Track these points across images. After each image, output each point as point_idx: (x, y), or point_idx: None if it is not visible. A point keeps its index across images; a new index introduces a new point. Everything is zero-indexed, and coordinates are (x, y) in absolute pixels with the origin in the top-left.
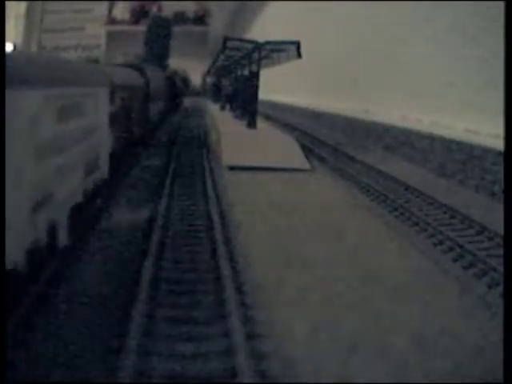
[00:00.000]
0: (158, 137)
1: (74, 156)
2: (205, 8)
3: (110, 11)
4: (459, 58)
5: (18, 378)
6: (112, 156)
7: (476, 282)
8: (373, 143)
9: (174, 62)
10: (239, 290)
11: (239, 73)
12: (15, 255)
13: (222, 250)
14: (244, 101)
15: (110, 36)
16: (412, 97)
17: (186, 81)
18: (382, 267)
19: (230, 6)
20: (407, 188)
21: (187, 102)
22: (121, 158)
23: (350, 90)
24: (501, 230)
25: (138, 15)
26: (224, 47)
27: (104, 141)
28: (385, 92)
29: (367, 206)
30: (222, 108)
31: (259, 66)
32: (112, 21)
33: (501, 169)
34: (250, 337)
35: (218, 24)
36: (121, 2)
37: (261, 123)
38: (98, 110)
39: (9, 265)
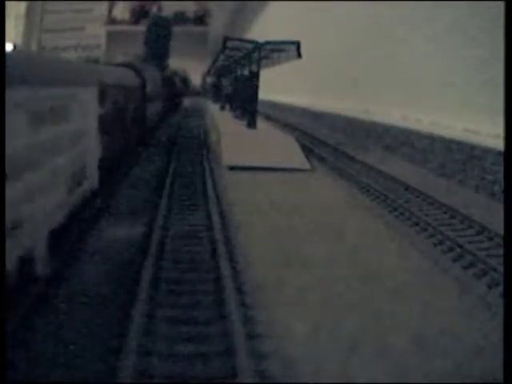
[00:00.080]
0: (157, 137)
1: (51, 168)
2: (205, 8)
3: (110, 11)
4: (459, 58)
5: (18, 378)
6: (102, 162)
7: (476, 282)
8: (373, 143)
9: (174, 62)
10: (239, 289)
11: (239, 73)
12: None
13: (221, 249)
14: (244, 101)
15: (110, 36)
16: (412, 97)
17: (185, 81)
18: (381, 267)
19: (230, 5)
20: (407, 188)
21: (187, 102)
22: (113, 163)
23: (349, 89)
24: (501, 230)
25: (138, 15)
26: (224, 47)
27: (91, 147)
28: (385, 92)
29: (367, 206)
30: (222, 108)
31: (259, 66)
32: (112, 21)
33: (501, 169)
34: (250, 337)
35: (218, 24)
36: (121, 2)
37: (261, 123)
38: (85, 113)
39: None
